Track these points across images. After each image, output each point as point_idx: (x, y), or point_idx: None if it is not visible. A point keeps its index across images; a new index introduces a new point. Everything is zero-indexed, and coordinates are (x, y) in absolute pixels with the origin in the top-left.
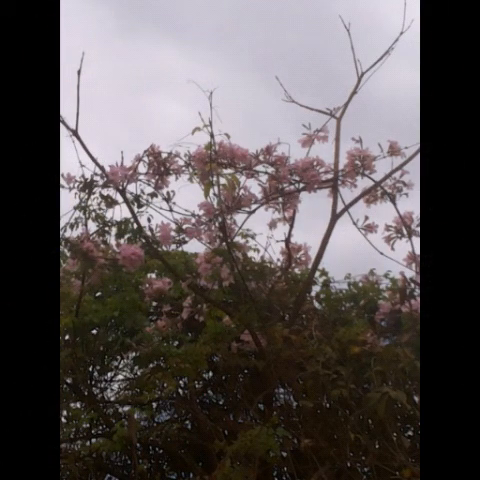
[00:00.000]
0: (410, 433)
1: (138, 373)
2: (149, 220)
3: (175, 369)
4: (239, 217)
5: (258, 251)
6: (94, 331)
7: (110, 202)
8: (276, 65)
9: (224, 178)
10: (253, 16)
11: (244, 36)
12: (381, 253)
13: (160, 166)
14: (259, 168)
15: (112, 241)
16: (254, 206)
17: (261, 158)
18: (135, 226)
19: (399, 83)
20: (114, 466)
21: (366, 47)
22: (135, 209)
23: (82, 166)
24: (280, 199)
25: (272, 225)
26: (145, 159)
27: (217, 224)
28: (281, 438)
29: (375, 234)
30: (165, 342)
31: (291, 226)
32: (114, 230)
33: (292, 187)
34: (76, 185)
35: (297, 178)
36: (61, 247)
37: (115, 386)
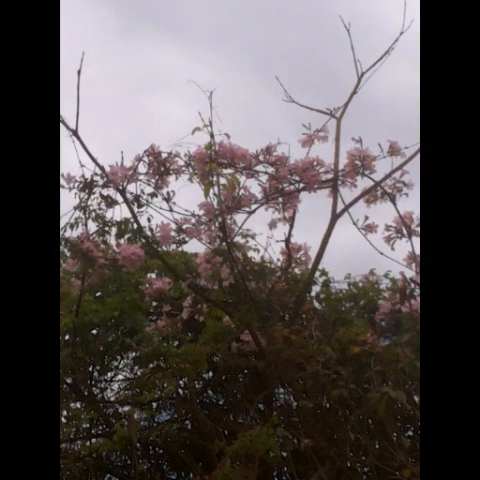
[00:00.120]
0: (410, 433)
1: (138, 373)
2: (149, 220)
3: (175, 369)
4: (239, 217)
5: (258, 251)
6: (94, 331)
7: (110, 202)
8: (276, 65)
9: (224, 178)
10: (253, 16)
11: (244, 36)
12: (381, 253)
13: (160, 166)
14: (259, 168)
15: (112, 241)
16: (254, 206)
17: (261, 158)
18: (135, 226)
19: (399, 83)
20: (114, 466)
21: (366, 47)
22: (135, 209)
23: (82, 166)
24: (280, 199)
25: (272, 225)
26: (145, 159)
27: (217, 224)
28: (281, 438)
29: (375, 234)
30: (165, 342)
31: (291, 226)
32: (114, 230)
33: (292, 187)
34: (76, 185)
35: (297, 178)
36: (61, 247)
37: (115, 386)
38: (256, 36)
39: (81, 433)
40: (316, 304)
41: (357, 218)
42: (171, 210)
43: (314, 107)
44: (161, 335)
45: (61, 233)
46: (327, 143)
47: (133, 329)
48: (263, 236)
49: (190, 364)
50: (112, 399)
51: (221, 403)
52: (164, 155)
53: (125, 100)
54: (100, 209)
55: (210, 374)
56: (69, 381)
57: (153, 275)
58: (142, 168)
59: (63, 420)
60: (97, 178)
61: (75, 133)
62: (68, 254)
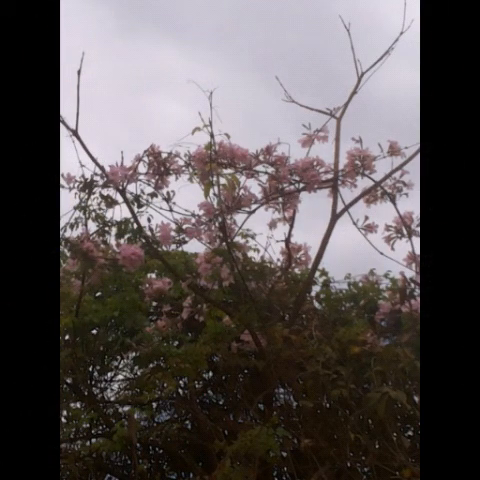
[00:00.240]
0: (410, 433)
1: (138, 373)
2: (149, 220)
3: (175, 369)
4: (239, 217)
5: (258, 251)
6: (94, 331)
7: (110, 202)
8: (276, 65)
9: (224, 178)
10: (253, 16)
11: (244, 36)
12: (381, 253)
13: (160, 166)
14: (259, 168)
15: (112, 241)
16: (254, 206)
17: (261, 158)
18: (135, 226)
19: (399, 83)
20: (114, 466)
21: (366, 47)
22: (135, 209)
23: (82, 166)
24: (280, 199)
25: (272, 225)
26: (145, 159)
27: (217, 224)
28: (281, 438)
29: (375, 234)
30: (165, 342)
31: (291, 226)
32: (114, 230)
33: (292, 187)
34: (76, 185)
35: (297, 178)
36: (61, 247)
37: (115, 386)
38: (256, 36)
39: (81, 433)
40: (316, 304)
41: (357, 218)
42: (171, 210)
43: (314, 107)
44: (161, 335)
45: (61, 233)
46: (327, 143)
47: (133, 329)
48: (263, 236)
49: (190, 364)
50: (112, 399)
51: (221, 403)
52: (164, 155)
53: (125, 100)
54: (100, 209)
55: (210, 374)
56: (69, 381)
57: (153, 275)
58: (142, 168)
59: (63, 420)
60: (97, 178)
61: (75, 133)
62: (68, 254)
